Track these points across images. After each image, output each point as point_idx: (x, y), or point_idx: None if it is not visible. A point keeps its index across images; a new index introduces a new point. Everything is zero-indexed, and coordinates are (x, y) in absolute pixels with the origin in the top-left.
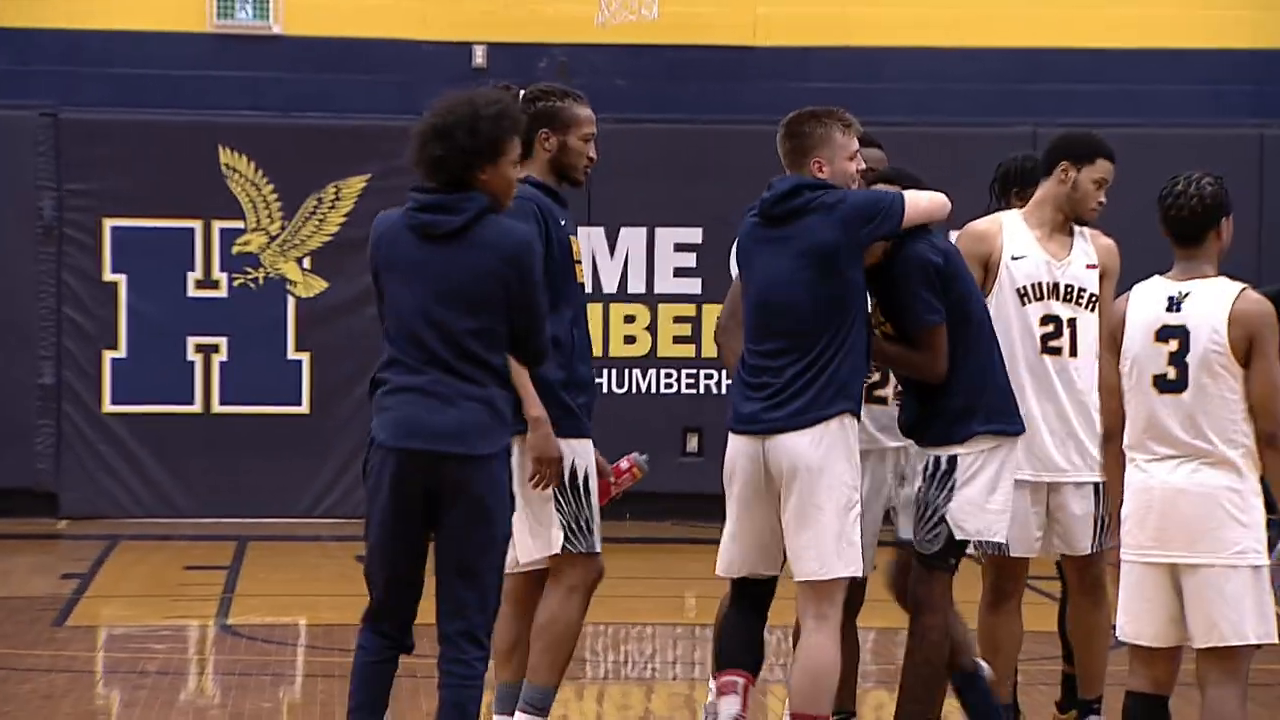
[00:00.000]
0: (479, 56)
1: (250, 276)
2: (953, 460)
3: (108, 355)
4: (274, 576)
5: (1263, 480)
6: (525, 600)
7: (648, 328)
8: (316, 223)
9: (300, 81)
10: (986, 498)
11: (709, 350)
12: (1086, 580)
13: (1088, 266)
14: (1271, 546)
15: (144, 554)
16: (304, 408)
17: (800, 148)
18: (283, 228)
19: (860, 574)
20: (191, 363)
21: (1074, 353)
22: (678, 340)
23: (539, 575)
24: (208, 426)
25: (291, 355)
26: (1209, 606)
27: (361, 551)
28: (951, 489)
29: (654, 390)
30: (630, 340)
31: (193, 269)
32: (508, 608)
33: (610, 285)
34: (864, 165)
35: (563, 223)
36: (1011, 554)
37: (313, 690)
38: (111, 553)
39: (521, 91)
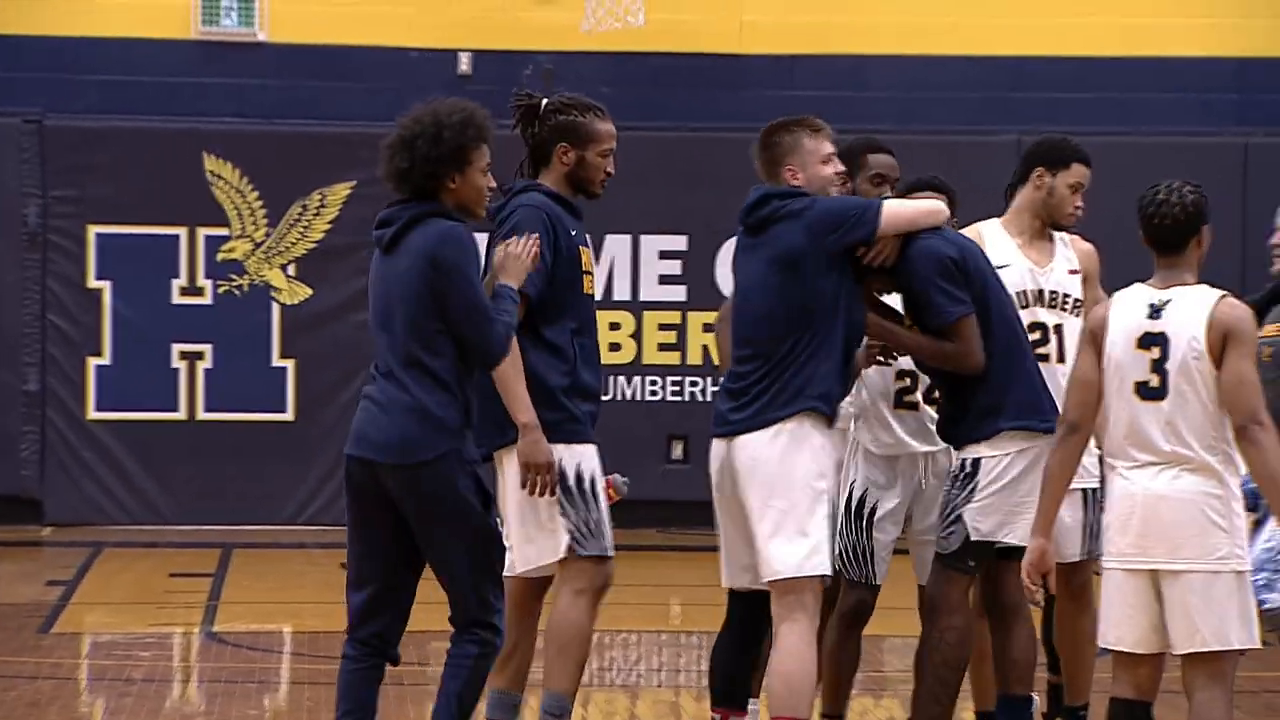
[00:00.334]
0: (464, 63)
1: (235, 283)
2: (977, 462)
3: (92, 362)
4: (259, 584)
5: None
6: (522, 606)
7: (633, 335)
8: (301, 230)
9: (285, 88)
10: (1010, 501)
11: (694, 357)
12: (1073, 587)
13: (1070, 272)
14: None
15: (129, 561)
16: (289, 415)
17: (772, 159)
18: (267, 235)
19: (826, 573)
20: (176, 370)
21: (1061, 359)
22: (663, 347)
23: (539, 583)
24: (192, 433)
25: (276, 362)
26: (1191, 612)
27: (345, 559)
28: (973, 490)
29: (639, 397)
30: (615, 348)
31: (177, 276)
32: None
33: (595, 292)
34: (840, 168)
35: (573, 233)
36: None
37: (299, 698)
38: (96, 560)
39: (544, 102)
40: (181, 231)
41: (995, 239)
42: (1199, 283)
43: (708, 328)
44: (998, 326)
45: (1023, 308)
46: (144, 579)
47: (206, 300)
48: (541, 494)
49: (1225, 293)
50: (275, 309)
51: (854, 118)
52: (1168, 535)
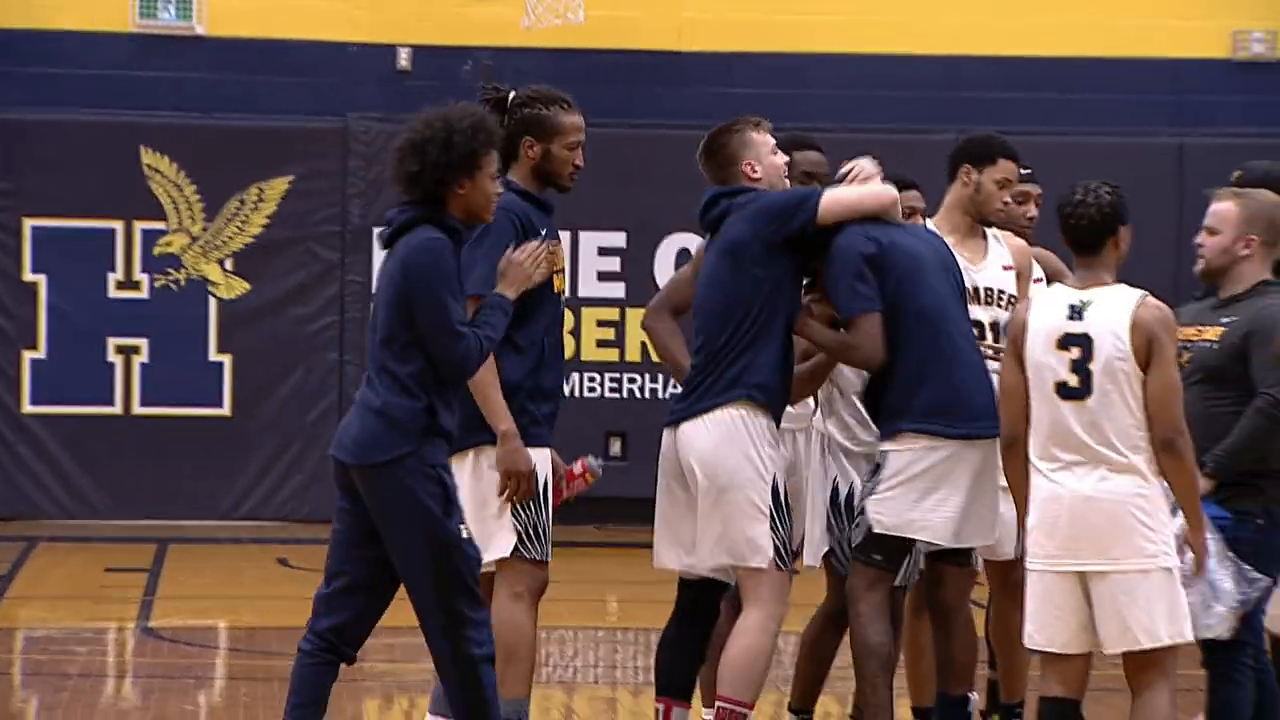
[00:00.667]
0: (403, 59)
1: (172, 278)
2: (885, 455)
3: (27, 355)
4: (195, 579)
5: None
6: None
7: (571, 331)
8: (239, 224)
9: (223, 82)
10: (916, 498)
11: (633, 354)
12: (1010, 584)
13: (1004, 268)
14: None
15: (63, 556)
16: (225, 410)
17: (726, 159)
18: (205, 229)
19: (763, 566)
20: (112, 364)
21: (997, 356)
22: (601, 344)
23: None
24: (128, 428)
25: (213, 357)
26: (1122, 612)
27: (282, 555)
28: (877, 484)
29: (578, 394)
30: None
31: (114, 270)
32: None
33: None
34: (785, 158)
35: (543, 231)
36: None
37: (235, 693)
38: (31, 555)
39: (511, 95)
40: (118, 225)
41: None
42: (1119, 282)
43: None
44: (915, 327)
45: None
46: (79, 574)
47: (143, 294)
48: (521, 500)
49: (1145, 292)
50: (212, 303)
51: (793, 116)
52: (1096, 537)
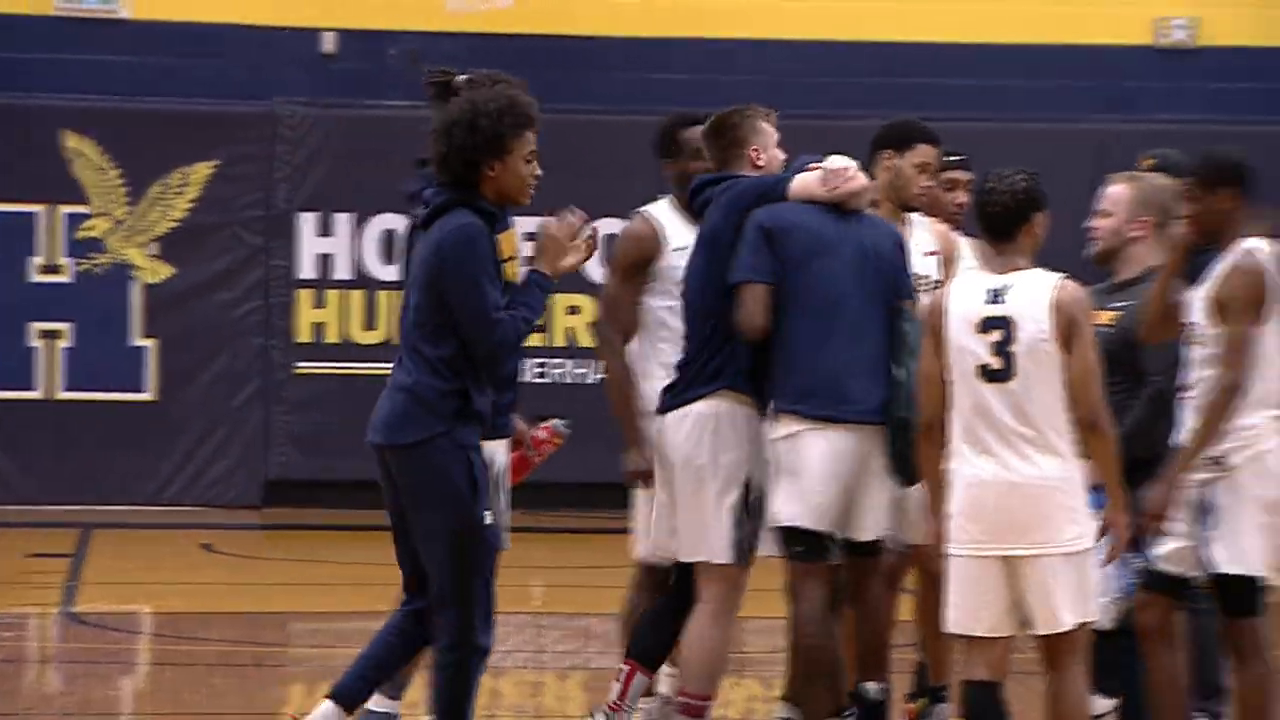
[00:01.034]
0: (328, 43)
1: (95, 262)
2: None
3: None
4: (119, 564)
5: None
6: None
7: None
8: (163, 208)
9: (147, 66)
10: (787, 482)
11: (558, 339)
12: (932, 570)
13: (927, 253)
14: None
15: None
16: (149, 394)
17: (734, 140)
18: (129, 213)
19: (725, 561)
20: (34, 348)
21: None
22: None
23: None
24: (51, 413)
25: (137, 342)
26: (1050, 595)
27: (207, 540)
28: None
29: None
30: None
31: (36, 254)
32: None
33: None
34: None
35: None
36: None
37: (160, 678)
38: None
39: (457, 78)
40: (41, 209)
41: None
42: (1035, 267)
43: (572, 310)
44: (797, 309)
45: None
46: (1, 559)
47: (66, 279)
48: None
49: (1063, 275)
50: (136, 288)
51: (722, 101)
52: (1021, 521)
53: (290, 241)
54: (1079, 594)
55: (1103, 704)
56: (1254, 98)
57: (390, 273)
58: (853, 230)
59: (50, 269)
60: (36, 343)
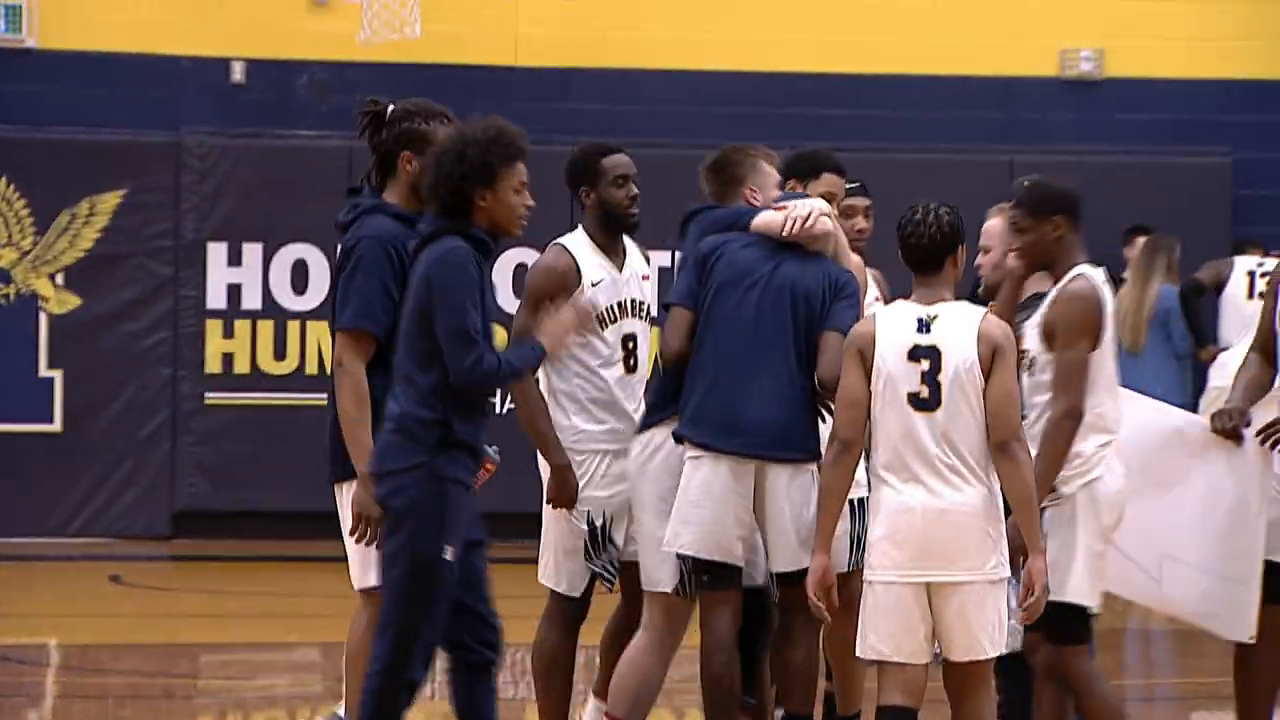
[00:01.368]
0: (237, 73)
1: (1, 292)
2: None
3: None
4: (26, 596)
5: None
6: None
7: None
8: (70, 238)
9: (54, 96)
10: (680, 506)
11: None
12: (843, 597)
13: None
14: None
15: None
16: (56, 426)
17: (733, 178)
18: (35, 243)
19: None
20: None
21: None
22: None
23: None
24: None
25: (43, 372)
26: (970, 623)
27: (115, 571)
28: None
29: None
30: None
31: None
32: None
33: None
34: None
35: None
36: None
37: (67, 711)
38: None
39: (390, 108)
40: None
41: None
42: (957, 299)
43: None
44: (705, 335)
45: None
46: None
47: None
48: (369, 543)
49: (987, 310)
50: (43, 318)
51: (629, 131)
52: (944, 549)
53: (199, 271)
54: (996, 623)
55: None
56: (1160, 128)
57: (300, 303)
58: (785, 267)
59: None
60: None
